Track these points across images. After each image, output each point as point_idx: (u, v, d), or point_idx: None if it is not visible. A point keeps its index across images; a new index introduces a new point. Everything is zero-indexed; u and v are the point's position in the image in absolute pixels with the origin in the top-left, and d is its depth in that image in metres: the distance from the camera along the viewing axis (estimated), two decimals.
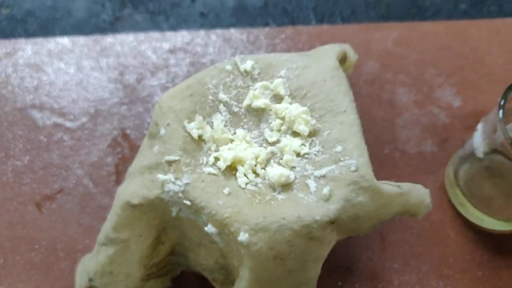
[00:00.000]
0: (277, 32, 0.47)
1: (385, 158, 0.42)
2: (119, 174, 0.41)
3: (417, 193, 0.29)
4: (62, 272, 0.38)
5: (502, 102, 0.33)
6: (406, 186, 0.29)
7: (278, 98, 0.30)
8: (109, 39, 0.47)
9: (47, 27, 0.50)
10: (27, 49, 0.47)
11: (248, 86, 0.30)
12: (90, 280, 0.32)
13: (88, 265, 0.32)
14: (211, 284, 0.34)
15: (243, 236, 0.24)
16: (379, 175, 0.40)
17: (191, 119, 0.28)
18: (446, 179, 0.41)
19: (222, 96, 0.30)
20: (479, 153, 0.35)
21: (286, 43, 0.47)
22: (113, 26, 0.50)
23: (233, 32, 0.47)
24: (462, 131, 0.43)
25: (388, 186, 0.27)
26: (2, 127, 0.43)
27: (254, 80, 0.30)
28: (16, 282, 0.37)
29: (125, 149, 0.42)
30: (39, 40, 0.47)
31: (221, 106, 0.30)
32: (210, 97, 0.29)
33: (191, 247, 0.31)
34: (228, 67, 0.30)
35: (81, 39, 0.47)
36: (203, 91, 0.29)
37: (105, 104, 0.44)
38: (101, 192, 0.40)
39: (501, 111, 0.32)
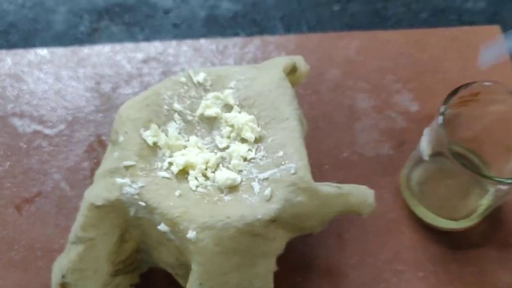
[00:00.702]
0: (245, 42, 0.50)
1: (344, 160, 0.44)
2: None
3: (359, 193, 0.32)
4: (40, 270, 0.40)
5: (443, 109, 0.35)
6: (346, 187, 0.31)
7: (228, 108, 0.33)
8: (86, 50, 0.50)
9: (28, 38, 0.52)
10: (8, 60, 0.49)
11: (201, 97, 0.33)
12: (63, 276, 0.34)
13: (62, 262, 0.35)
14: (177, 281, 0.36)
15: (191, 234, 0.27)
16: (338, 177, 0.43)
17: (147, 128, 0.31)
18: (401, 181, 0.43)
19: (176, 106, 0.32)
20: (425, 156, 0.38)
21: (254, 53, 0.49)
22: (90, 37, 0.53)
23: (203, 42, 0.50)
24: (418, 135, 0.45)
25: (326, 187, 0.30)
26: None
27: (206, 91, 0.33)
28: None
29: (100, 154, 0.45)
30: (19, 51, 0.50)
31: (176, 115, 0.32)
32: (166, 107, 0.32)
33: (153, 245, 0.33)
34: (183, 79, 0.33)
35: (60, 50, 0.50)
36: (158, 101, 0.32)
37: (82, 112, 0.47)
38: (77, 195, 0.43)
39: (441, 117, 0.35)
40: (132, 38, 0.52)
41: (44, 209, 0.42)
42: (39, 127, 0.46)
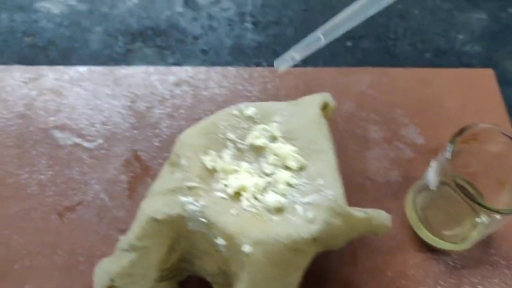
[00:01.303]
0: (268, 71, 0.55)
1: (357, 185, 0.49)
2: (132, 190, 0.47)
3: (380, 217, 0.37)
4: (82, 273, 0.43)
5: (449, 147, 0.41)
6: (371, 211, 0.36)
7: (274, 139, 0.37)
8: (122, 70, 0.54)
9: (66, 55, 0.56)
10: (50, 75, 0.53)
11: (250, 128, 0.38)
12: (112, 280, 0.38)
13: (109, 267, 0.39)
14: None
15: (246, 248, 0.31)
16: (352, 200, 0.48)
17: (206, 153, 0.36)
18: (406, 206, 0.49)
19: (230, 135, 0.37)
20: (432, 186, 0.43)
21: (276, 82, 0.54)
22: (124, 57, 0.57)
23: (231, 69, 0.55)
24: (423, 164, 0.50)
25: (357, 212, 0.35)
26: (27, 145, 0.49)
27: (255, 123, 0.38)
28: (41, 282, 0.43)
29: (136, 169, 0.49)
30: (60, 68, 0.54)
31: (229, 143, 0.37)
32: (221, 135, 0.37)
33: (198, 255, 0.38)
34: (235, 112, 0.38)
35: (98, 69, 0.54)
36: (215, 130, 0.37)
37: (119, 128, 0.51)
38: (116, 206, 0.47)
39: (448, 155, 0.40)
40: (163, 60, 0.56)
41: (85, 217, 0.46)
42: (78, 140, 0.50)
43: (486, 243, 0.47)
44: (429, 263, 0.46)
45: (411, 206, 0.48)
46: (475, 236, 0.45)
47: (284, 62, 0.36)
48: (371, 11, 0.31)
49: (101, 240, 0.45)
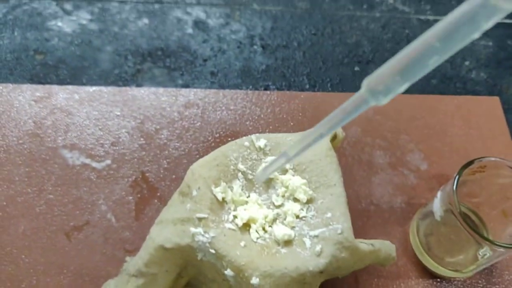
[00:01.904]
0: (276, 95, 0.55)
1: (362, 210, 0.50)
2: (138, 212, 0.48)
3: (386, 249, 0.37)
4: None
5: (457, 179, 0.41)
6: (377, 244, 0.37)
7: (283, 171, 0.38)
8: (132, 91, 0.55)
9: (76, 74, 0.57)
10: (59, 94, 0.54)
11: (261, 159, 0.38)
12: None
13: None
14: None
15: (254, 280, 0.32)
16: (356, 224, 0.49)
17: (217, 185, 0.36)
18: (410, 232, 0.49)
19: (240, 166, 0.38)
20: (437, 217, 0.44)
21: (283, 105, 0.55)
22: (134, 77, 0.57)
23: (239, 93, 0.55)
24: (426, 191, 0.51)
25: (364, 245, 0.35)
26: (36, 164, 0.50)
27: (265, 154, 0.38)
28: None
29: (144, 190, 0.49)
30: (70, 87, 0.54)
31: (239, 174, 0.37)
32: (232, 166, 0.37)
33: (205, 282, 0.38)
34: (246, 143, 0.38)
35: (107, 89, 0.55)
36: (226, 162, 0.37)
37: (127, 148, 0.51)
38: (122, 226, 0.47)
39: (455, 186, 0.41)
40: (172, 81, 0.57)
41: (92, 238, 0.47)
42: (87, 160, 0.50)
43: (489, 272, 0.47)
44: None
45: (414, 232, 0.48)
46: (477, 265, 0.45)
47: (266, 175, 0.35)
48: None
49: (107, 260, 0.45)
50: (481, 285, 0.47)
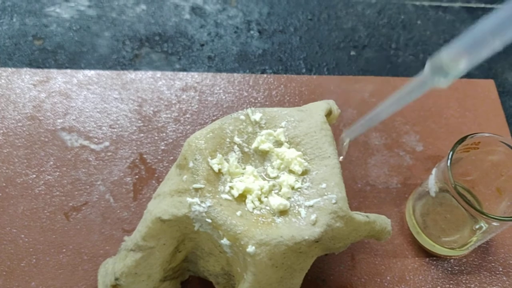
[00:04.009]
0: (273, 79, 0.56)
1: (358, 191, 0.50)
2: (136, 192, 0.48)
3: (381, 222, 0.38)
4: (85, 272, 0.44)
5: (451, 154, 0.42)
6: (372, 216, 0.37)
7: (279, 144, 0.38)
8: (130, 75, 0.55)
9: (74, 59, 0.57)
10: (58, 78, 0.54)
11: (256, 133, 0.39)
12: (116, 279, 0.39)
13: (114, 267, 0.40)
14: None
15: (250, 248, 0.32)
16: (352, 205, 0.49)
17: (213, 156, 0.36)
18: (406, 211, 0.50)
19: (236, 139, 0.38)
20: (432, 193, 0.44)
21: (280, 89, 0.55)
22: (132, 62, 0.58)
23: (236, 76, 0.56)
24: (422, 172, 0.52)
25: (359, 216, 0.36)
26: (36, 146, 0.50)
27: (261, 128, 0.39)
28: (46, 279, 0.44)
29: (142, 171, 0.50)
30: (69, 71, 0.55)
31: (235, 147, 0.38)
32: (227, 139, 0.38)
33: (202, 256, 0.38)
34: (242, 117, 0.39)
35: (106, 73, 0.55)
36: (222, 134, 0.38)
37: (126, 131, 0.52)
38: (120, 207, 0.48)
39: (449, 161, 0.41)
40: (170, 66, 0.58)
41: (90, 218, 0.47)
42: (85, 142, 0.51)
43: (484, 250, 0.48)
44: (427, 268, 0.47)
45: (410, 212, 0.48)
46: (473, 242, 0.46)
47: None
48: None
49: (105, 240, 0.46)
50: (476, 263, 0.47)
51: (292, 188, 0.36)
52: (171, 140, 0.51)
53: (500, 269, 0.47)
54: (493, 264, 0.47)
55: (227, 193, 0.36)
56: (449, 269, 0.47)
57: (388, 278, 0.46)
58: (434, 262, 0.47)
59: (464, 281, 0.46)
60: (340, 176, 0.36)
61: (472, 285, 0.46)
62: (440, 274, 0.46)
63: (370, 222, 0.36)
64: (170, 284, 0.41)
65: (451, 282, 0.46)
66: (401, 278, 0.46)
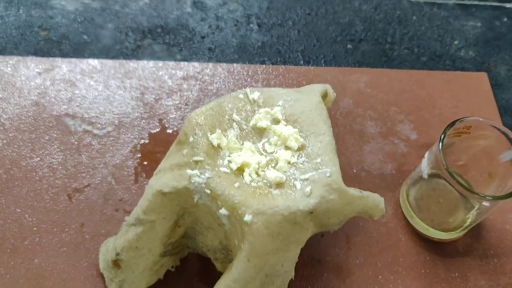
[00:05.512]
0: (272, 69, 0.57)
1: (353, 176, 0.52)
2: (137, 175, 0.50)
3: (374, 199, 0.39)
4: (87, 250, 0.46)
5: (442, 137, 0.43)
6: (366, 192, 0.39)
7: (276, 121, 0.40)
8: (132, 64, 0.57)
9: (78, 50, 0.59)
10: (63, 67, 0.56)
11: (254, 111, 0.40)
12: (117, 254, 0.40)
13: (115, 243, 0.41)
14: (210, 266, 0.43)
15: (247, 217, 0.34)
16: None
17: (212, 132, 0.38)
18: (400, 196, 0.51)
19: (235, 116, 0.40)
20: (425, 175, 0.45)
21: (279, 79, 0.57)
22: (134, 52, 0.60)
23: (236, 66, 0.57)
24: (416, 159, 0.53)
25: (352, 190, 0.37)
26: (40, 130, 0.52)
27: (259, 106, 0.40)
28: (49, 257, 0.45)
29: (143, 156, 0.51)
30: (73, 60, 0.57)
31: (234, 124, 0.39)
32: (227, 116, 0.39)
33: (201, 231, 0.40)
34: (241, 95, 0.40)
35: (109, 62, 0.57)
36: (221, 112, 0.39)
37: (128, 117, 0.53)
38: (121, 189, 0.49)
39: (440, 144, 0.43)
40: (171, 57, 0.59)
41: (92, 199, 0.48)
42: (89, 128, 0.52)
43: (476, 233, 0.49)
44: (421, 251, 0.48)
45: (404, 197, 0.50)
46: (465, 225, 0.47)
47: None
48: None
49: (106, 220, 0.47)
50: (468, 246, 0.48)
51: (288, 162, 0.38)
52: (172, 127, 0.53)
53: (491, 251, 0.48)
54: (484, 246, 0.48)
55: (226, 166, 0.37)
56: (442, 252, 0.48)
57: (382, 259, 0.47)
58: (427, 245, 0.48)
59: (454, 264, 0.47)
60: (334, 152, 0.37)
61: (464, 267, 0.47)
62: (433, 256, 0.47)
63: (363, 197, 0.38)
64: (170, 259, 0.42)
65: (442, 264, 0.47)
66: (394, 260, 0.47)
